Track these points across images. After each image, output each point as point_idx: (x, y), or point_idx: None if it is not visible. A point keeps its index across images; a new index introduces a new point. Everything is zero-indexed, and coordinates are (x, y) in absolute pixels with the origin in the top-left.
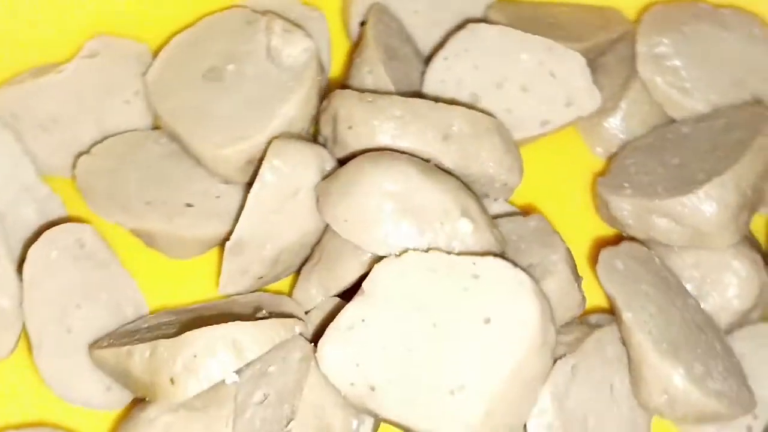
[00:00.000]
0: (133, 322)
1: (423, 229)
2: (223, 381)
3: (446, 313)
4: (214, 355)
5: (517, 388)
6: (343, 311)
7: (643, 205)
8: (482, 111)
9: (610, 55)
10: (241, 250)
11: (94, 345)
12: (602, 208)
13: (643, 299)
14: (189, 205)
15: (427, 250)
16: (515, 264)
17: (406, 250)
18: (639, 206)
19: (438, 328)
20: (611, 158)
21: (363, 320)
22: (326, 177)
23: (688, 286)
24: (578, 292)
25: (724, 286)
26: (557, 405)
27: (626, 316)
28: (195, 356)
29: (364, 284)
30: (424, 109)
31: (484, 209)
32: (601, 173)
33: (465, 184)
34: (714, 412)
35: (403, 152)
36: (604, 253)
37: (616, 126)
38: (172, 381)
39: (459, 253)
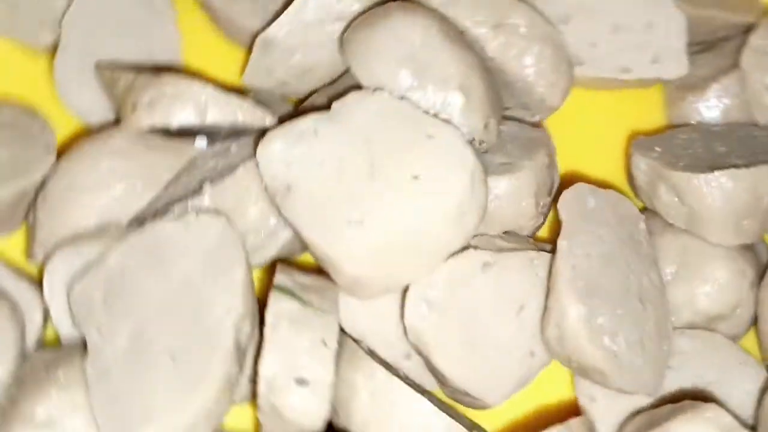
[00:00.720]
0: None
1: (416, 84)
2: (194, 144)
3: (387, 157)
4: (178, 101)
5: (411, 246)
6: (303, 117)
7: (656, 171)
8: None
9: (735, 40)
10: (270, 48)
11: (103, 63)
12: (628, 163)
13: (590, 238)
14: None
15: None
16: (469, 144)
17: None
18: (652, 170)
19: (373, 167)
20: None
21: (315, 132)
22: None
23: (667, 270)
24: (534, 205)
25: (699, 281)
26: (449, 286)
27: (560, 243)
28: (162, 95)
29: (334, 104)
30: None
31: (490, 98)
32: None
33: (490, 74)
34: (599, 369)
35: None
36: (581, 185)
37: (696, 107)
38: (133, 108)
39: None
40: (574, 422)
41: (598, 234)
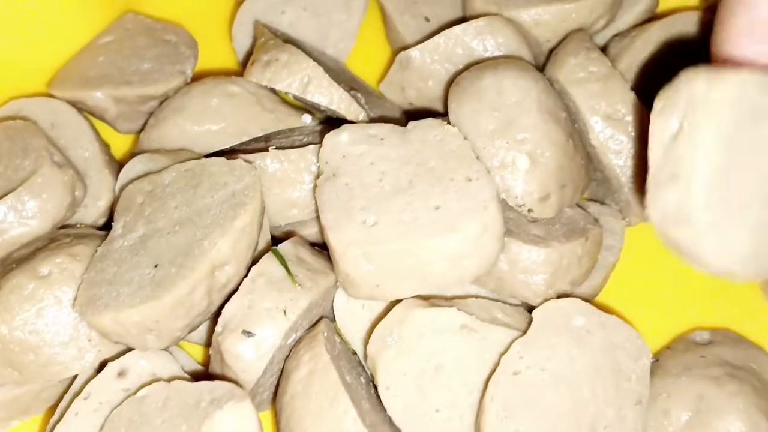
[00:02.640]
0: None
1: (494, 134)
2: (299, 116)
3: (426, 182)
4: (286, 69)
5: (407, 267)
6: (379, 124)
7: None
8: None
9: None
10: (408, 67)
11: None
12: None
13: (555, 354)
14: None
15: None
16: (497, 200)
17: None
18: None
19: (410, 185)
20: None
21: (382, 139)
22: None
23: (682, 416)
24: (545, 284)
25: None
26: (417, 331)
27: (514, 345)
28: (277, 59)
29: (410, 123)
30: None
31: (562, 178)
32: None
33: (581, 158)
34: None
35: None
36: (576, 302)
37: None
38: (252, 62)
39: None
40: None
41: (569, 352)
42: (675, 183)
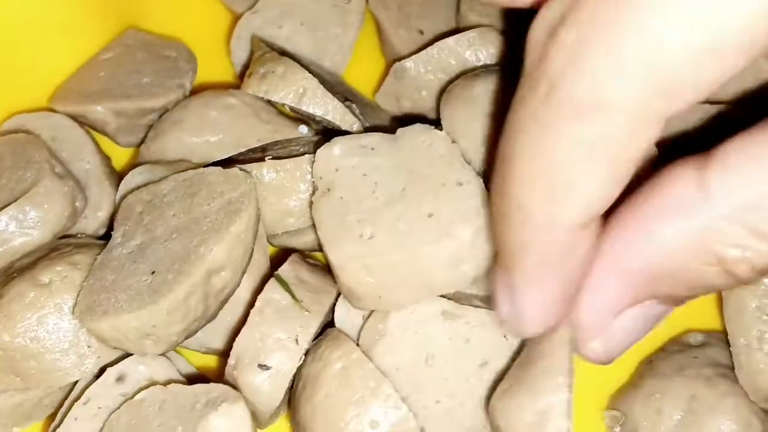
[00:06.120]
0: None
1: (487, 141)
2: (296, 127)
3: (418, 189)
4: (282, 81)
5: (406, 276)
6: (370, 134)
7: None
8: None
9: None
10: (402, 77)
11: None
12: None
13: None
14: None
15: None
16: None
17: None
18: None
19: (403, 193)
20: None
21: (373, 149)
22: None
23: (674, 416)
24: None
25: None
26: (401, 324)
27: None
28: (272, 71)
29: (399, 129)
30: None
31: None
32: None
33: None
34: None
35: None
36: None
37: None
38: (249, 74)
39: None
40: None
41: None
42: None
